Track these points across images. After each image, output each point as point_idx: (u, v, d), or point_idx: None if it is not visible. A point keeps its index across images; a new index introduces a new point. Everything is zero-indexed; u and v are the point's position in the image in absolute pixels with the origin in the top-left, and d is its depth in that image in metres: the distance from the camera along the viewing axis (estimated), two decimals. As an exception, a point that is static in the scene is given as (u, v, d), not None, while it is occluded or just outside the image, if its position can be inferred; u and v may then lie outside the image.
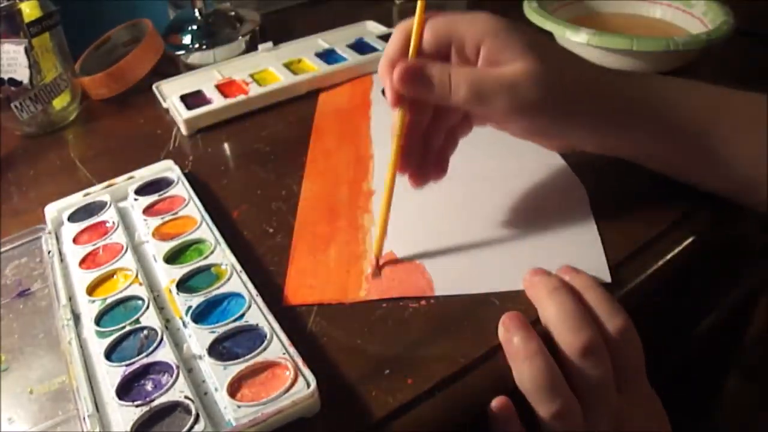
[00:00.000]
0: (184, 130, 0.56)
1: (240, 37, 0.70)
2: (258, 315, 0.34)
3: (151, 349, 0.33)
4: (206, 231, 0.41)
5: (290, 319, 0.35)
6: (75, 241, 0.42)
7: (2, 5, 0.54)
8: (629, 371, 0.33)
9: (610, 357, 0.32)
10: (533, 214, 0.42)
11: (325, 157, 0.51)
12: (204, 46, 0.68)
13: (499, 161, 0.46)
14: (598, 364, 0.31)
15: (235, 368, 0.31)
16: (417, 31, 0.35)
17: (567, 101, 0.35)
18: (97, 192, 0.47)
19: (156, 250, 0.40)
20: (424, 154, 0.39)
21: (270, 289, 0.37)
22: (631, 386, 0.33)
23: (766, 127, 0.36)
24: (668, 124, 0.37)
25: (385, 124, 0.53)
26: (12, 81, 0.56)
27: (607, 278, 0.36)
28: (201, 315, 0.35)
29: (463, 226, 0.41)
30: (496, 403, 0.31)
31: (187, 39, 0.69)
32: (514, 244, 0.39)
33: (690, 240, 0.39)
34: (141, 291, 0.37)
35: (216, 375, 0.31)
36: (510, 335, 0.32)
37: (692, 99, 0.37)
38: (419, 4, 0.35)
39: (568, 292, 0.33)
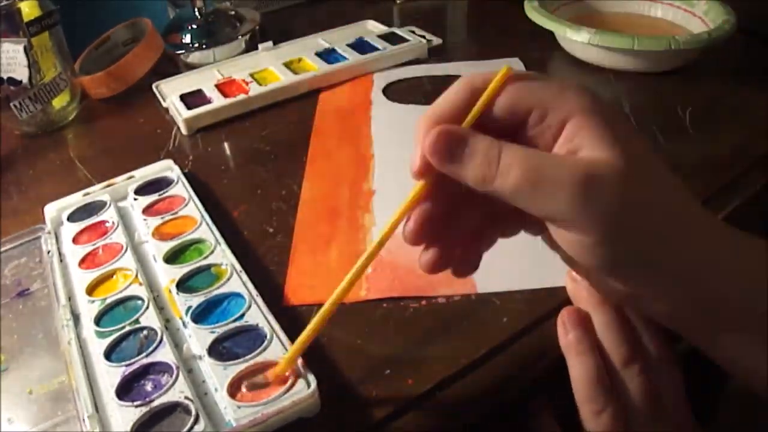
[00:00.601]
0: (184, 130, 0.56)
1: (240, 37, 0.69)
2: (258, 315, 0.34)
3: (150, 349, 0.33)
4: (206, 231, 0.41)
5: (290, 319, 0.35)
6: (75, 240, 0.42)
7: (2, 4, 0.54)
8: (669, 394, 0.31)
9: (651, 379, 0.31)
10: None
11: (325, 157, 0.51)
12: (204, 46, 0.68)
13: None
14: (636, 379, 0.30)
15: (236, 368, 0.31)
16: (489, 95, 0.26)
17: (651, 235, 0.25)
18: (97, 192, 0.47)
19: (156, 250, 0.40)
20: (447, 237, 0.28)
21: (270, 289, 0.37)
22: (670, 414, 0.31)
23: None
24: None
25: (385, 123, 0.53)
26: (11, 80, 0.56)
27: None
28: (201, 315, 0.35)
29: None
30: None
31: (186, 38, 0.69)
32: (519, 244, 0.39)
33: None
34: (141, 291, 0.37)
35: (216, 375, 0.31)
36: (566, 331, 0.31)
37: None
38: (503, 71, 0.26)
39: (613, 306, 0.31)
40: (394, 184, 0.46)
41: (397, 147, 0.51)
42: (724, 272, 0.26)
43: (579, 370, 0.31)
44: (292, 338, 0.32)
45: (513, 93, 0.26)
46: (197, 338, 0.33)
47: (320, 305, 0.35)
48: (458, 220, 0.29)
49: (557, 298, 0.36)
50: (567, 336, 0.31)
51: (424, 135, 0.26)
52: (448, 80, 0.61)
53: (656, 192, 0.25)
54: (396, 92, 0.59)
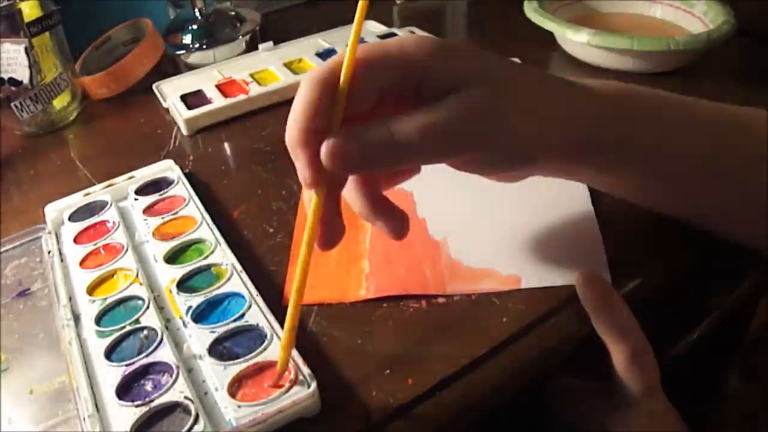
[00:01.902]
0: (184, 130, 0.56)
1: (240, 37, 0.70)
2: (258, 315, 0.34)
3: (151, 349, 0.33)
4: (206, 231, 0.41)
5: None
6: (75, 240, 0.42)
7: (2, 5, 0.54)
8: None
9: None
10: (535, 212, 0.42)
11: None
12: (204, 46, 0.68)
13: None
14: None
15: (236, 368, 0.31)
16: (345, 87, 0.27)
17: (541, 140, 0.30)
18: (98, 192, 0.47)
19: (156, 250, 0.40)
20: (384, 209, 0.31)
21: (270, 289, 0.37)
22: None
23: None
24: (659, 164, 0.33)
25: None
26: (12, 81, 0.56)
27: (607, 276, 0.36)
28: (201, 315, 0.35)
29: (459, 227, 0.41)
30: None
31: (187, 39, 0.69)
32: (516, 242, 0.39)
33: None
34: (141, 291, 0.37)
35: (216, 375, 0.31)
36: (587, 286, 0.34)
37: (680, 136, 0.33)
38: (351, 45, 0.27)
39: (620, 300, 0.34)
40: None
41: None
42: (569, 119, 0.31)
43: (609, 315, 0.33)
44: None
45: (364, 71, 0.27)
46: (197, 338, 0.33)
47: (321, 305, 0.35)
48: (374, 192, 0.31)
49: (557, 298, 0.36)
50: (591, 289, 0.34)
51: (300, 149, 0.28)
52: None
53: (533, 89, 0.30)
54: None
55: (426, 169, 0.33)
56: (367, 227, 0.42)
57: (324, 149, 0.27)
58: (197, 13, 0.70)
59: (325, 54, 0.65)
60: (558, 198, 0.42)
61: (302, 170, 0.28)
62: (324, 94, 0.27)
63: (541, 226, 0.40)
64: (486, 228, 0.41)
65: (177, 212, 0.43)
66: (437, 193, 0.43)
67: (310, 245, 0.29)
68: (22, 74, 0.56)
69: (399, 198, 0.43)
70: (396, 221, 0.31)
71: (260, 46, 0.67)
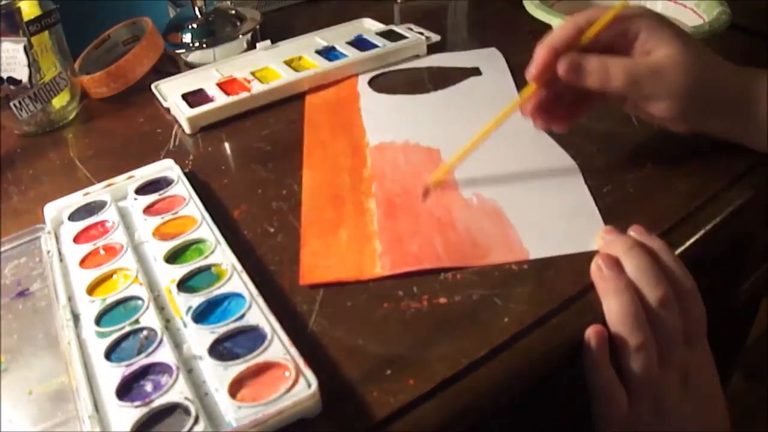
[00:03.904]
0: (187, 129, 0.56)
1: (240, 36, 0.69)
2: (258, 315, 0.34)
3: (150, 349, 0.33)
4: (206, 231, 0.41)
5: (291, 319, 0.35)
6: (75, 240, 0.42)
7: (1, 3, 0.54)
8: (695, 327, 0.36)
9: (680, 312, 0.35)
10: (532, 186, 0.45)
11: (321, 148, 0.51)
12: (204, 45, 0.68)
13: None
14: (671, 316, 0.35)
15: (236, 369, 0.31)
16: (597, 29, 0.40)
17: (707, 91, 0.40)
18: (97, 191, 0.46)
19: (156, 249, 0.40)
20: (554, 107, 0.43)
21: (271, 289, 0.37)
22: (697, 343, 0.37)
23: None
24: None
25: (376, 113, 0.55)
26: (11, 80, 0.56)
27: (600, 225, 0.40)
28: (201, 315, 0.35)
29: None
30: (592, 330, 0.34)
31: (187, 37, 0.69)
32: (518, 214, 0.42)
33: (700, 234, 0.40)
34: (141, 291, 0.37)
35: (216, 375, 0.31)
36: (603, 273, 0.35)
37: None
38: (616, 8, 0.40)
39: (643, 250, 0.36)
40: (391, 169, 0.47)
41: (391, 135, 0.52)
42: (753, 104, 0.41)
43: (617, 306, 0.34)
44: (293, 338, 0.32)
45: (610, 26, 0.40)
46: (197, 338, 0.33)
47: (339, 283, 0.37)
48: (559, 100, 0.43)
49: (558, 298, 0.36)
50: (603, 275, 0.35)
51: (544, 55, 0.40)
52: (431, 72, 0.62)
53: (704, 68, 0.40)
54: (380, 84, 0.61)
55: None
56: (373, 210, 0.43)
57: (561, 60, 0.39)
58: (197, 12, 0.69)
59: (324, 52, 0.64)
60: (551, 172, 0.45)
61: (533, 66, 0.40)
62: (575, 32, 0.40)
63: (538, 198, 0.43)
64: (491, 194, 0.44)
65: (177, 212, 0.43)
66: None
67: (500, 118, 0.41)
68: (21, 73, 0.55)
69: (426, 154, 0.49)
70: (547, 114, 0.43)
71: (258, 45, 0.67)
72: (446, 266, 0.38)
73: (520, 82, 0.56)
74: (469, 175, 0.46)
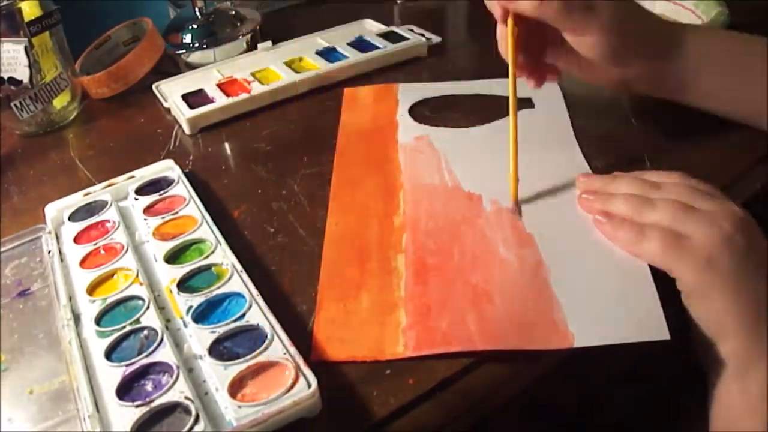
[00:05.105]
0: (187, 130, 0.56)
1: (241, 37, 0.69)
2: (259, 315, 0.34)
3: (151, 349, 0.33)
4: (207, 231, 0.41)
5: (291, 319, 0.35)
6: (75, 240, 0.42)
7: (2, 4, 0.54)
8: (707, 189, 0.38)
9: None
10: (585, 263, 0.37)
11: (350, 186, 0.46)
12: (204, 46, 0.68)
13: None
14: (674, 189, 0.37)
15: (236, 368, 0.31)
16: None
17: (637, 31, 0.42)
18: (98, 191, 0.47)
19: (156, 249, 0.40)
20: (536, 63, 0.46)
21: (271, 289, 0.37)
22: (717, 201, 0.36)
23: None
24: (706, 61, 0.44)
25: (415, 149, 0.50)
26: (12, 80, 0.56)
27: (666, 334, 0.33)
28: (201, 315, 0.35)
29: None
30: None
31: (187, 38, 0.69)
32: (565, 292, 0.35)
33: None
34: (141, 291, 0.37)
35: (216, 375, 0.31)
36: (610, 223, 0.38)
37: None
38: None
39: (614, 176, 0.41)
40: (426, 218, 0.42)
41: (429, 176, 0.46)
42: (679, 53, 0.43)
43: (652, 244, 0.35)
44: (293, 338, 0.33)
45: None
46: (198, 338, 0.33)
47: (354, 362, 0.33)
48: (533, 49, 0.45)
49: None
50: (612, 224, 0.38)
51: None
52: (477, 99, 0.57)
53: (635, 9, 0.43)
54: (421, 113, 0.55)
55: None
56: (401, 271, 0.38)
57: None
58: (197, 13, 0.70)
59: (325, 53, 0.64)
60: (612, 248, 0.37)
61: (495, 11, 0.43)
62: None
63: (591, 276, 0.36)
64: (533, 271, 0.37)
65: (177, 212, 0.43)
66: None
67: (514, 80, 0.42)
68: (22, 74, 0.56)
69: (467, 201, 0.43)
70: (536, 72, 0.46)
71: (259, 46, 0.67)
72: (478, 350, 0.32)
73: (573, 114, 0.51)
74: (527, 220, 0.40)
